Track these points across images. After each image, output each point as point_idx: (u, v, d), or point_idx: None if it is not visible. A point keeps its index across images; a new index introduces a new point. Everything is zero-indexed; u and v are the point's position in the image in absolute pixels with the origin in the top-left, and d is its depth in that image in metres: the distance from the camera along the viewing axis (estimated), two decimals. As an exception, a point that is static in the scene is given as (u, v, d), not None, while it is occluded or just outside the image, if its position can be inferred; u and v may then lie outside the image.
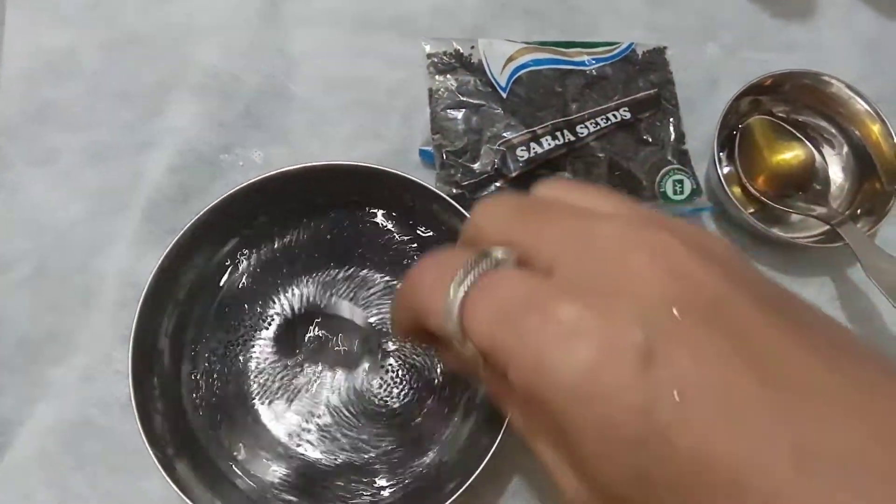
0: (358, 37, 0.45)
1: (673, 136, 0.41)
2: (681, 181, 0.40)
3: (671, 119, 0.42)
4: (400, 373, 0.37)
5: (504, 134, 0.40)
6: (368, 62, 0.44)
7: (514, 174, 0.39)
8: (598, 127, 0.40)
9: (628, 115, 0.41)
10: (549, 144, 0.39)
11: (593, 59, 0.42)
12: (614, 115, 0.41)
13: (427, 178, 0.37)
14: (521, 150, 0.39)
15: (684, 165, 0.41)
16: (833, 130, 0.43)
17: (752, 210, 0.41)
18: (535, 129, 0.40)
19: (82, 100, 0.43)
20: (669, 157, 0.41)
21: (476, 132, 0.40)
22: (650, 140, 0.41)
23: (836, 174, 0.43)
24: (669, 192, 0.40)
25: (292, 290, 0.39)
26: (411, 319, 0.23)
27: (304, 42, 0.45)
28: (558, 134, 0.40)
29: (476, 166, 0.39)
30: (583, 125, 0.40)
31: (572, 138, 0.40)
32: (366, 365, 0.37)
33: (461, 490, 0.31)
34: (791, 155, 0.42)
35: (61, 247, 0.40)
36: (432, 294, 0.21)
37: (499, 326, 0.19)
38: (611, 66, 0.42)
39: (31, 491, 0.36)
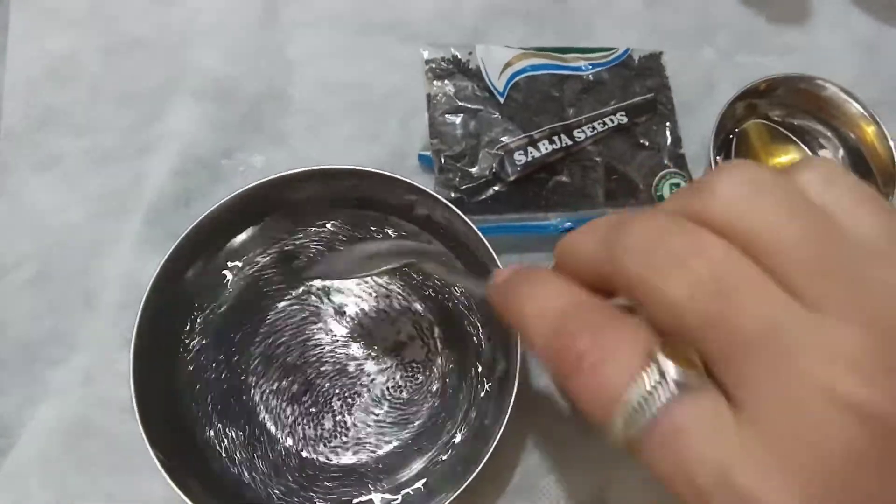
0: (356, 40, 0.46)
1: (669, 140, 0.42)
2: (678, 184, 0.41)
3: (667, 123, 0.42)
4: (400, 377, 0.38)
5: (502, 138, 0.40)
6: (367, 66, 0.45)
7: (511, 178, 0.39)
8: (595, 131, 0.41)
9: (625, 120, 0.41)
10: (547, 148, 0.40)
11: (590, 65, 0.43)
12: (611, 120, 0.41)
13: (426, 183, 0.37)
14: (519, 154, 0.40)
15: (681, 169, 0.41)
16: (828, 134, 0.43)
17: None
18: (533, 133, 0.40)
19: (84, 104, 0.43)
20: (666, 161, 0.41)
21: (474, 137, 0.40)
22: (647, 144, 0.41)
23: (832, 177, 0.43)
24: (666, 195, 0.40)
25: (295, 293, 0.39)
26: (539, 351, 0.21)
27: (303, 46, 0.45)
28: (556, 138, 0.40)
29: (474, 170, 0.40)
30: (580, 129, 0.41)
31: (569, 143, 0.40)
32: (371, 367, 0.38)
33: (461, 489, 0.31)
34: (787, 159, 0.42)
35: (63, 250, 0.41)
36: (598, 390, 0.18)
37: (680, 479, 0.17)
38: (607, 72, 0.42)
39: (32, 492, 0.36)
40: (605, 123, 0.41)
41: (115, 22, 0.45)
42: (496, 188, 0.40)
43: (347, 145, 0.43)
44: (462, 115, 0.41)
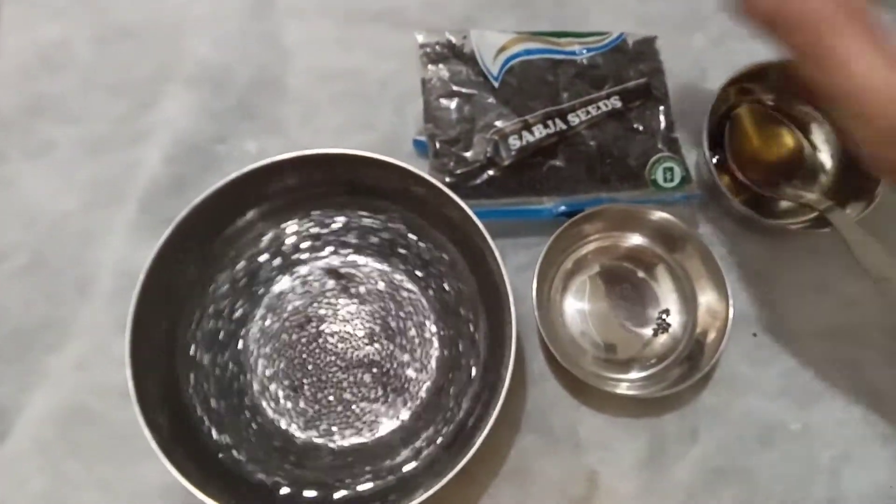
0: (349, 28, 0.45)
1: (663, 125, 0.42)
2: (671, 168, 0.41)
3: (661, 107, 0.42)
4: (396, 360, 0.38)
5: (496, 123, 0.40)
6: (360, 53, 0.45)
7: (506, 162, 0.39)
8: (590, 116, 0.41)
9: (619, 104, 0.41)
10: (541, 133, 0.40)
11: (584, 49, 0.43)
12: (605, 104, 0.41)
13: (420, 168, 0.37)
14: (514, 138, 0.40)
15: (674, 153, 0.41)
16: (821, 118, 0.43)
17: (741, 197, 0.41)
18: (527, 117, 0.40)
19: (77, 92, 0.43)
20: (659, 146, 0.41)
21: (468, 121, 0.40)
22: (640, 128, 0.42)
23: (825, 161, 0.43)
24: (660, 179, 0.41)
25: (288, 277, 0.39)
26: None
27: (296, 33, 0.45)
28: (550, 122, 0.40)
29: (469, 155, 0.40)
30: (574, 114, 0.41)
31: (564, 127, 0.40)
32: (366, 348, 0.38)
33: (455, 470, 0.31)
34: (779, 142, 0.42)
35: (57, 237, 0.41)
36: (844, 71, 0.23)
37: None
38: (602, 56, 0.42)
39: (28, 477, 0.36)
40: (599, 108, 0.41)
41: (107, 10, 0.45)
42: (491, 173, 0.40)
43: (341, 132, 0.43)
44: (457, 99, 0.41)
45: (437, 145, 0.40)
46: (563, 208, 0.39)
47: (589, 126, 0.41)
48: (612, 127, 0.41)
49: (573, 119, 0.41)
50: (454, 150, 0.40)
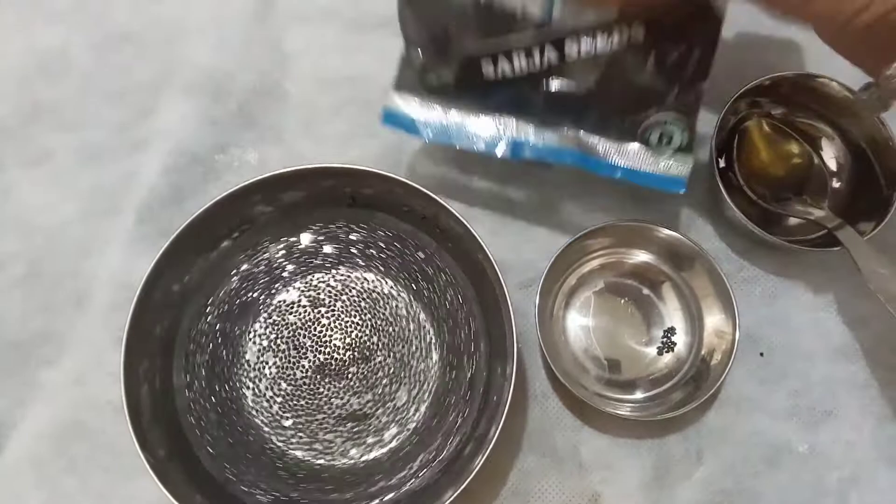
0: (352, 34, 0.45)
1: (692, 70, 0.33)
2: (671, 135, 0.34)
3: (700, 48, 0.33)
4: (396, 380, 0.37)
5: (470, 43, 0.34)
6: (363, 60, 0.44)
7: (484, 85, 0.34)
8: (593, 48, 0.32)
9: (640, 36, 0.32)
10: (521, 66, 0.33)
11: None
12: (618, 34, 0.32)
13: (422, 182, 0.36)
14: (486, 63, 0.33)
15: (686, 114, 0.33)
16: (832, 132, 0.42)
17: (749, 213, 0.40)
18: (512, 47, 0.33)
19: (74, 100, 0.43)
20: (671, 99, 0.34)
21: (444, 31, 0.34)
22: (657, 70, 0.33)
23: (835, 177, 0.42)
24: (653, 139, 0.34)
25: (287, 291, 0.39)
26: None
27: (298, 39, 0.45)
28: (535, 52, 0.33)
29: (445, 72, 0.35)
30: (572, 41, 0.32)
31: (554, 60, 0.33)
32: (364, 365, 0.37)
33: (457, 491, 0.31)
34: (789, 157, 0.41)
35: (53, 248, 0.40)
36: None
37: None
38: None
39: (23, 492, 0.36)
40: (609, 39, 0.32)
41: (105, 16, 0.44)
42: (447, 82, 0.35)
43: (343, 140, 0.43)
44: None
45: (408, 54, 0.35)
46: (510, 152, 0.33)
47: (588, 62, 0.32)
48: (617, 66, 0.32)
49: (570, 49, 0.32)
50: (422, 63, 0.35)
